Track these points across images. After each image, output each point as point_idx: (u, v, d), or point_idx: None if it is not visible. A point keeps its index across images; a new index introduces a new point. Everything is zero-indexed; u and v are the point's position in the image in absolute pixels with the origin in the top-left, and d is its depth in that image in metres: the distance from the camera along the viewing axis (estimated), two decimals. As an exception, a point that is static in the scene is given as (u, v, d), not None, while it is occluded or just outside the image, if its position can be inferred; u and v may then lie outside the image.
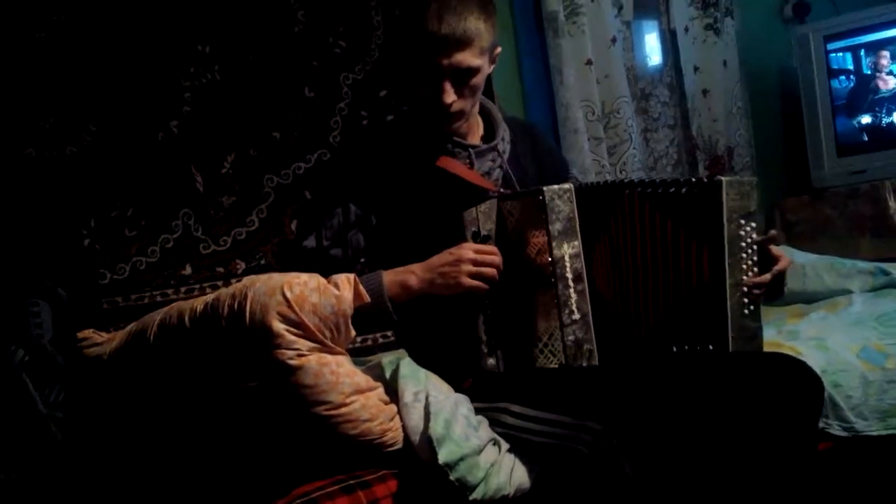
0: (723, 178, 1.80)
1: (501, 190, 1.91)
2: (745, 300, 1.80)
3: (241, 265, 2.63)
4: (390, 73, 2.90)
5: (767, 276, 1.83)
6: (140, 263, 2.46)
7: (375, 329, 1.84)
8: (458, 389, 1.86)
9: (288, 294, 1.63)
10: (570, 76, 3.19)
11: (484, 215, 1.80)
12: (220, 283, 2.56)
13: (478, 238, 1.79)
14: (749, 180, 1.85)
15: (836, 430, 2.20)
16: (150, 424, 1.87)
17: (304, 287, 1.65)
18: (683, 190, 1.81)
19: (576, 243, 1.76)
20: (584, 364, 1.74)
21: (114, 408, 1.93)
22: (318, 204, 1.94)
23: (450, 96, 1.81)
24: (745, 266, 1.81)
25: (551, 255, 1.74)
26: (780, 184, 3.87)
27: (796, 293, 2.93)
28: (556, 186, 1.77)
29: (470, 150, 1.94)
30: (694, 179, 1.83)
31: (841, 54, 3.54)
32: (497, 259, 1.78)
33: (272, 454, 1.71)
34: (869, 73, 3.49)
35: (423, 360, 1.91)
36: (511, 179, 1.97)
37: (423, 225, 1.86)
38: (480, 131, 2.02)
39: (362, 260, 1.91)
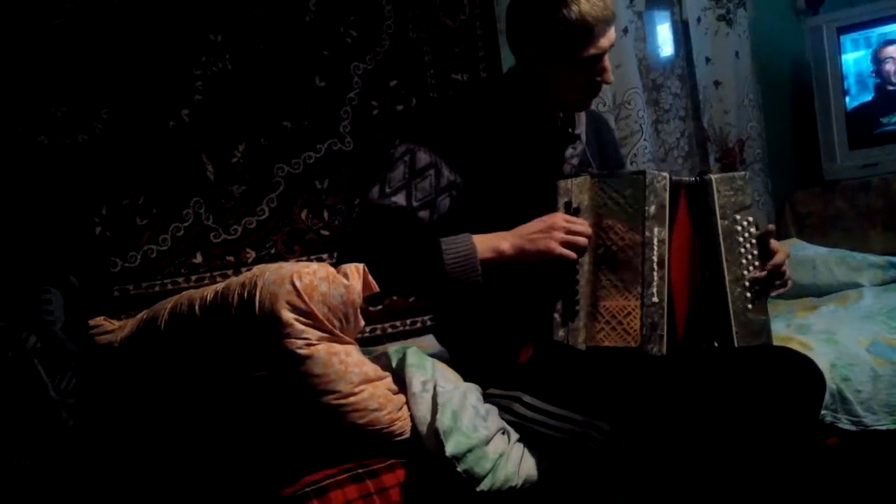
0: (711, 177, 1.83)
1: (595, 170, 1.94)
2: (748, 295, 1.81)
3: (252, 254, 2.64)
4: (401, 62, 2.90)
5: (762, 273, 1.84)
6: (151, 252, 2.48)
7: (452, 292, 1.81)
8: (510, 362, 1.86)
9: (297, 283, 1.63)
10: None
11: (578, 187, 1.81)
12: (230, 271, 2.58)
13: (569, 209, 1.79)
14: (741, 174, 1.87)
15: (844, 424, 2.19)
16: (160, 412, 1.88)
17: (314, 276, 1.65)
18: (694, 187, 1.84)
19: (664, 230, 1.77)
20: (655, 349, 1.73)
21: (124, 395, 1.95)
22: (408, 161, 1.88)
23: (611, 73, 1.88)
24: (744, 261, 1.82)
25: (643, 235, 1.75)
26: (791, 176, 3.86)
27: (806, 286, 2.92)
28: (655, 171, 1.79)
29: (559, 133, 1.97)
30: (695, 178, 1.85)
31: (854, 46, 3.52)
32: (588, 230, 1.78)
33: (281, 442, 1.72)
34: (882, 65, 3.46)
35: (472, 332, 1.92)
36: (589, 166, 2.00)
37: (515, 194, 1.86)
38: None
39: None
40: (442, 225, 1.84)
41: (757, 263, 1.83)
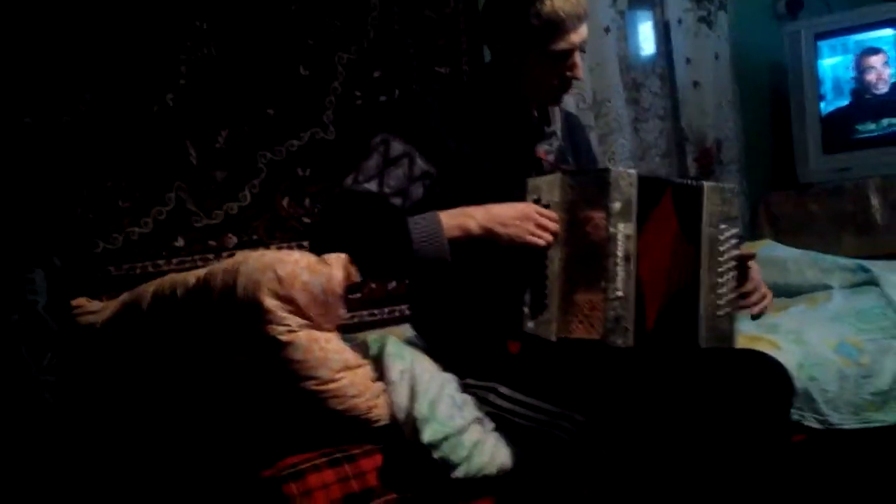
0: (704, 183, 1.88)
1: (564, 166, 1.98)
2: (719, 303, 1.86)
3: (234, 239, 2.65)
4: (385, 54, 2.92)
5: (733, 295, 1.90)
6: (133, 234, 2.49)
7: (423, 272, 1.84)
8: (486, 353, 1.89)
9: (279, 271, 1.65)
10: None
11: (548, 185, 1.84)
12: (211, 255, 2.59)
13: (539, 205, 1.83)
14: (731, 187, 1.93)
15: (810, 422, 2.24)
16: (141, 393, 1.90)
17: (296, 265, 1.68)
18: (685, 190, 1.88)
19: (630, 225, 1.80)
20: (620, 342, 1.77)
21: (105, 375, 1.96)
22: (383, 150, 1.90)
23: (582, 70, 1.92)
24: (721, 269, 1.87)
25: (607, 230, 1.78)
26: (766, 178, 3.92)
27: (778, 286, 2.96)
28: (621, 168, 1.83)
29: (543, 130, 2.01)
30: (688, 182, 1.91)
31: (832, 52, 3.57)
32: (556, 225, 1.81)
33: (261, 426, 1.74)
34: (858, 72, 3.52)
35: (449, 321, 1.96)
36: (564, 162, 2.03)
37: (489, 186, 1.88)
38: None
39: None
40: (415, 212, 1.86)
41: (734, 274, 1.89)
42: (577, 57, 1.90)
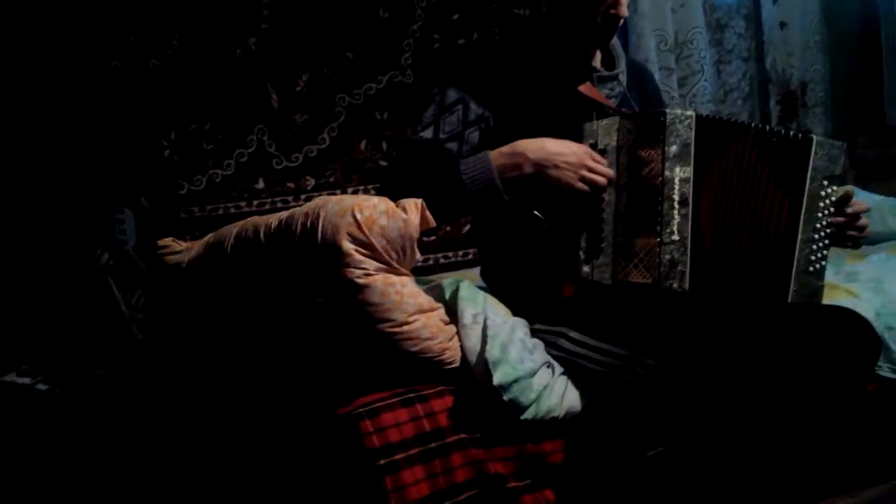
0: (814, 137, 1.84)
1: (624, 110, 1.96)
2: (813, 258, 1.84)
3: (311, 181, 2.71)
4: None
5: (841, 219, 1.87)
6: (216, 176, 2.56)
7: (481, 211, 1.90)
8: (551, 297, 1.91)
9: (358, 216, 1.69)
10: (644, 4, 3.17)
11: (604, 129, 1.84)
12: (290, 198, 2.65)
13: (595, 150, 1.83)
14: (839, 144, 1.88)
15: (885, 371, 2.22)
16: (223, 331, 1.98)
17: (374, 210, 1.71)
18: (783, 141, 1.85)
19: (688, 169, 1.80)
20: (675, 285, 1.78)
21: (190, 313, 2.04)
22: (439, 99, 1.95)
23: (626, 7, 1.91)
24: (818, 226, 1.84)
25: (662, 174, 1.79)
26: (852, 121, 3.81)
27: (859, 234, 2.92)
28: (678, 111, 1.81)
29: (594, 75, 2.00)
30: (792, 133, 1.86)
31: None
32: (611, 173, 1.82)
33: (337, 366, 1.80)
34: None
35: (510, 266, 1.99)
36: (629, 106, 2.03)
37: (542, 132, 1.89)
38: (599, 58, 2.06)
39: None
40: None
41: (830, 231, 1.86)
42: None
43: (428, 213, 1.76)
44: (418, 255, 1.78)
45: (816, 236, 1.85)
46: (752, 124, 1.87)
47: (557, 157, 1.80)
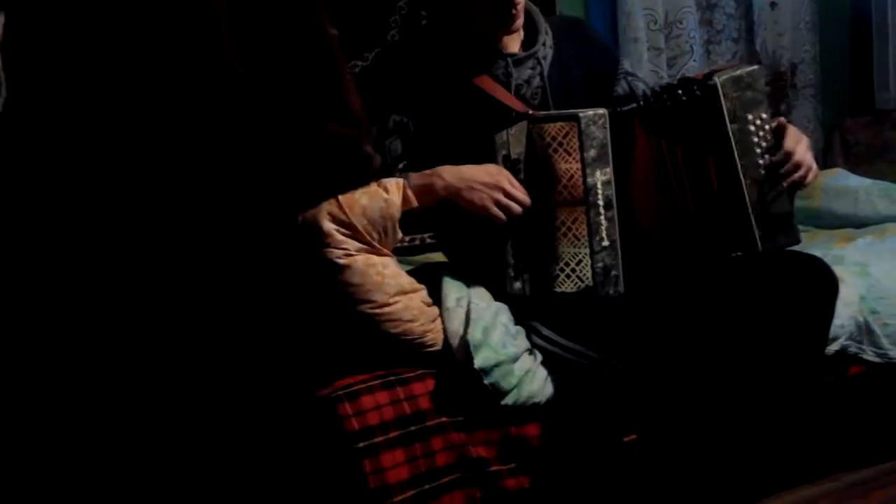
0: (717, 80, 1.75)
1: (532, 112, 1.87)
2: (767, 192, 1.77)
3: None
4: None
5: (777, 158, 1.78)
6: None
7: (408, 231, 1.90)
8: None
9: (339, 196, 1.68)
10: (629, -18, 3.14)
11: (514, 138, 1.80)
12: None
13: (508, 162, 1.79)
14: (749, 70, 1.78)
15: (869, 355, 2.22)
16: (201, 314, 1.95)
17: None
18: (678, 103, 1.78)
19: (608, 170, 1.77)
20: (612, 291, 1.77)
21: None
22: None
23: None
24: (761, 161, 1.77)
25: (584, 182, 1.76)
26: (842, 104, 3.80)
27: (847, 217, 2.91)
28: (591, 112, 1.77)
29: (508, 59, 1.91)
30: (684, 89, 1.78)
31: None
32: (527, 200, 1.79)
33: (317, 348, 1.78)
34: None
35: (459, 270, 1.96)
36: (547, 92, 1.94)
37: (458, 139, 1.87)
38: (521, 36, 1.97)
39: (400, 166, 1.91)
40: (403, 164, 1.88)
41: (776, 159, 1.78)
42: None
43: (410, 193, 1.75)
44: (400, 235, 1.77)
45: (764, 172, 1.77)
46: (651, 100, 1.81)
47: (474, 181, 1.78)
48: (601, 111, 1.78)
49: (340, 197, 1.68)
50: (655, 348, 1.73)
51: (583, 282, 1.77)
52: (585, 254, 1.77)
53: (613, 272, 1.77)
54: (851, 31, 3.84)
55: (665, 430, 1.76)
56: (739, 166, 1.75)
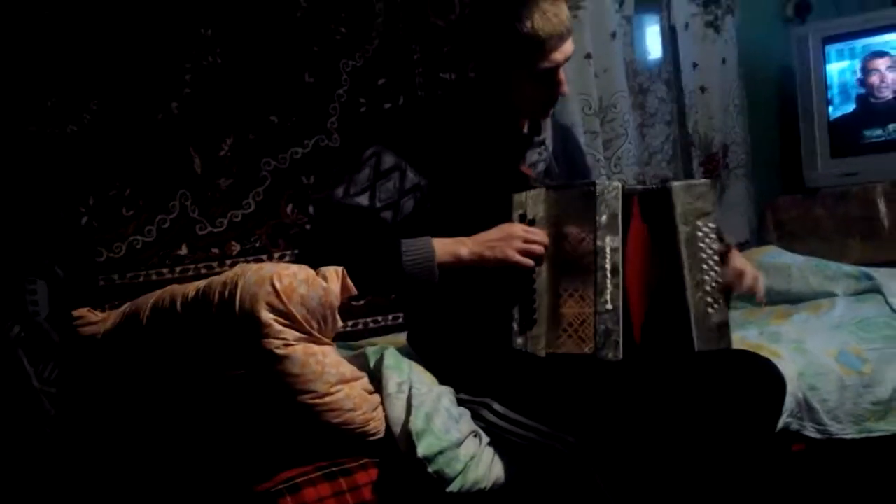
0: (672, 184, 1.87)
1: (549, 182, 1.97)
2: (709, 299, 1.84)
3: (237, 247, 2.67)
4: (389, 60, 2.92)
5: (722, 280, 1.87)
6: (137, 242, 2.51)
7: (409, 290, 1.95)
8: (488, 366, 1.90)
9: (277, 285, 1.67)
10: (568, 69, 3.18)
11: (532, 200, 1.85)
12: (215, 263, 2.61)
13: (524, 220, 1.84)
14: (703, 182, 1.92)
15: (810, 431, 2.24)
16: (141, 405, 1.92)
17: (293, 278, 1.69)
18: (651, 195, 1.88)
19: (617, 238, 1.82)
20: (610, 355, 1.78)
21: (105, 386, 1.98)
22: (374, 163, 1.92)
23: (567, 85, 1.92)
24: (706, 266, 1.85)
25: (595, 244, 1.81)
26: (773, 183, 3.90)
27: (782, 294, 2.96)
28: (606, 181, 1.86)
29: (525, 140, 2.01)
30: (654, 185, 1.91)
31: (839, 56, 3.55)
32: (544, 239, 1.83)
33: (258, 439, 1.75)
34: (868, 77, 3.50)
35: (438, 334, 1.98)
36: (554, 172, 2.05)
37: (473, 202, 1.90)
38: (527, 123, 2.06)
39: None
40: (406, 226, 1.89)
41: (718, 269, 1.86)
42: (562, 74, 1.90)
43: (349, 281, 1.74)
44: (340, 323, 1.76)
45: (707, 276, 1.85)
46: (635, 187, 1.90)
47: (490, 240, 1.82)
48: (616, 183, 1.86)
49: (278, 285, 1.67)
50: (611, 424, 1.73)
51: (584, 342, 1.79)
52: (589, 314, 1.80)
53: (614, 337, 1.79)
54: (779, 112, 3.96)
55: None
56: (686, 266, 1.84)
